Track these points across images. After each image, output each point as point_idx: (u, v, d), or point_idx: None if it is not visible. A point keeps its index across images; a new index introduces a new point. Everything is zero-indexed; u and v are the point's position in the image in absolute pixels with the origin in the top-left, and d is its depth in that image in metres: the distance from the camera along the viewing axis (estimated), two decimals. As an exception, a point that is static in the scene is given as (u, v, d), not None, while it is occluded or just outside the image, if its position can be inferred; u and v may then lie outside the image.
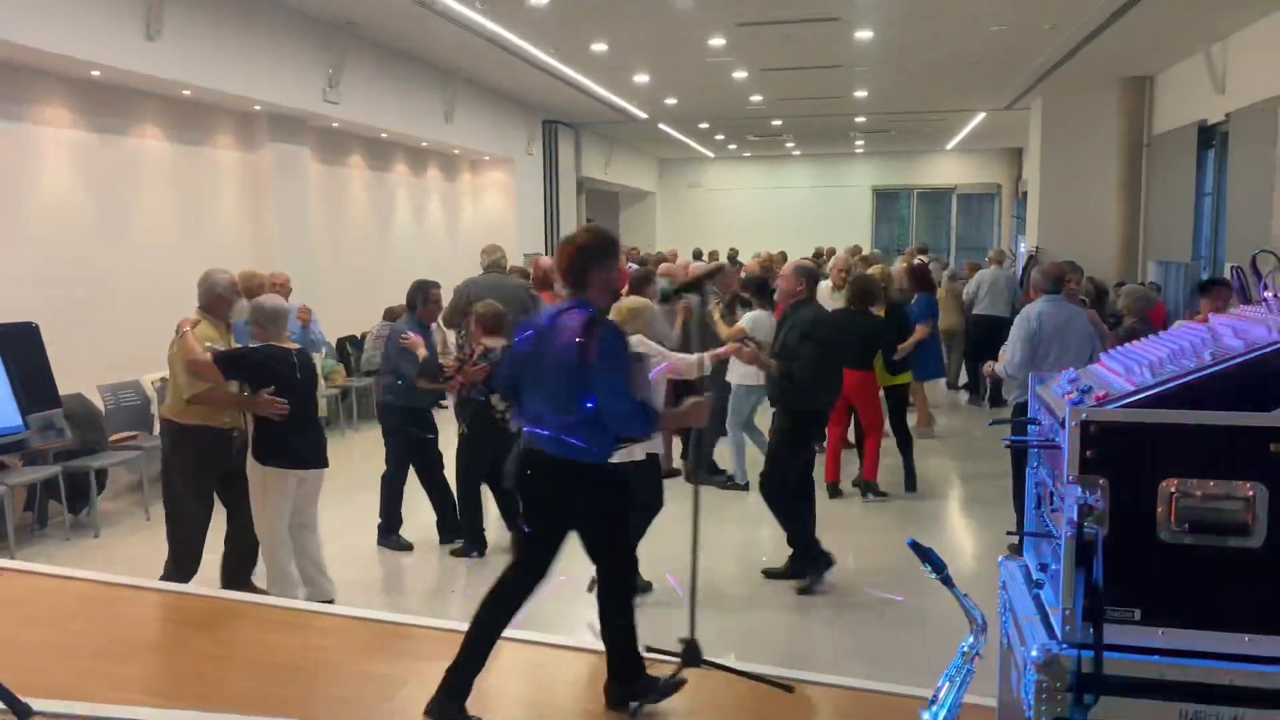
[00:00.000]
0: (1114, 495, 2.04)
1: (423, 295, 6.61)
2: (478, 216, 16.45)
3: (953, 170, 26.79)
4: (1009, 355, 6.73)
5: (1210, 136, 12.22)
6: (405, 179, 14.15)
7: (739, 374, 7.72)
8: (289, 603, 4.95)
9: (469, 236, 16.06)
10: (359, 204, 12.88)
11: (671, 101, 16.24)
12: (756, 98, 15.93)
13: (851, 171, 27.30)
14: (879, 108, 17.41)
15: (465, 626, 3.54)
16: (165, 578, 5.35)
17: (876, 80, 14.36)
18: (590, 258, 3.53)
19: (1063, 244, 15.56)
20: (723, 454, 8.36)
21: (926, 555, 2.32)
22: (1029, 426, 2.55)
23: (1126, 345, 2.57)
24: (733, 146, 24.86)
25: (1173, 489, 2.03)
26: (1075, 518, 2.00)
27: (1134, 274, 14.13)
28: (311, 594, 5.32)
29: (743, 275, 9.48)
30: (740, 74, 13.61)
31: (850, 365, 7.22)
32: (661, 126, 19.81)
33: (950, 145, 25.06)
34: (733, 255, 18.98)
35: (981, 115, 18.76)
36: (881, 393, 8.17)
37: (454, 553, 6.51)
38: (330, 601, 5.27)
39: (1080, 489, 2.04)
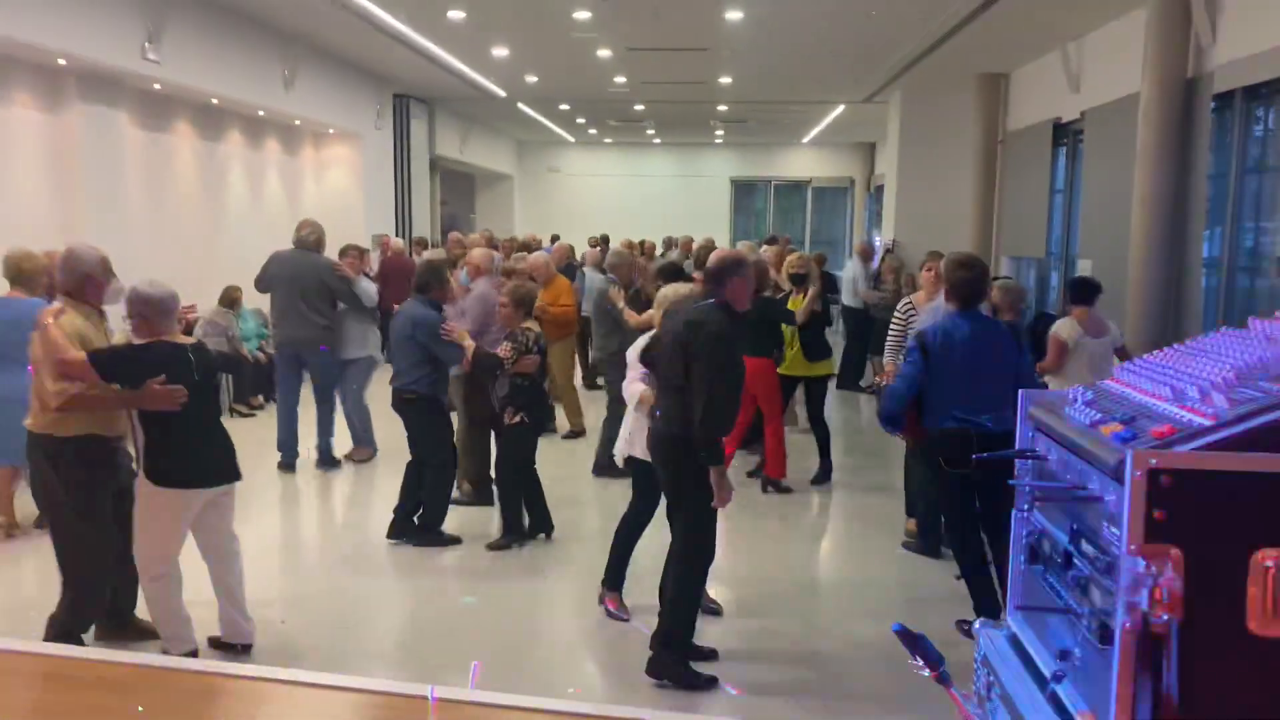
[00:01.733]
0: (1192, 571, 1.47)
1: (437, 277, 6.24)
2: (322, 194, 15.34)
3: (808, 163, 27.03)
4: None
5: (1063, 134, 12.44)
6: (240, 151, 12.97)
7: None
8: (237, 668, 3.97)
9: (312, 214, 14.91)
10: (186, 177, 11.67)
11: (532, 79, 15.53)
12: (620, 79, 15.41)
13: (710, 162, 27.19)
14: (742, 96, 17.19)
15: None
16: (56, 634, 4.22)
17: (742, 66, 14.06)
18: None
19: (920, 238, 15.72)
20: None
21: (917, 645, 1.80)
22: (1019, 461, 2.03)
23: (1144, 357, 2.06)
24: (593, 131, 24.31)
25: (1270, 563, 1.49)
26: (1141, 604, 1.45)
27: (992, 269, 14.33)
28: (228, 634, 4.56)
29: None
30: (605, 52, 13.05)
31: (750, 353, 6.88)
32: (520, 106, 19.06)
33: (806, 139, 25.22)
34: (603, 239, 18.46)
35: (840, 108, 18.82)
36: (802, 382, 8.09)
37: (491, 546, 6.20)
38: (247, 647, 4.54)
39: (1144, 563, 1.47)
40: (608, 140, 26.33)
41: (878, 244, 19.98)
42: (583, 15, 10.80)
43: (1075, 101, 11.75)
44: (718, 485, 4.25)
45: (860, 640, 4.93)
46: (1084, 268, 11.34)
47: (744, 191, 27.69)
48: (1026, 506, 1.97)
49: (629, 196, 26.76)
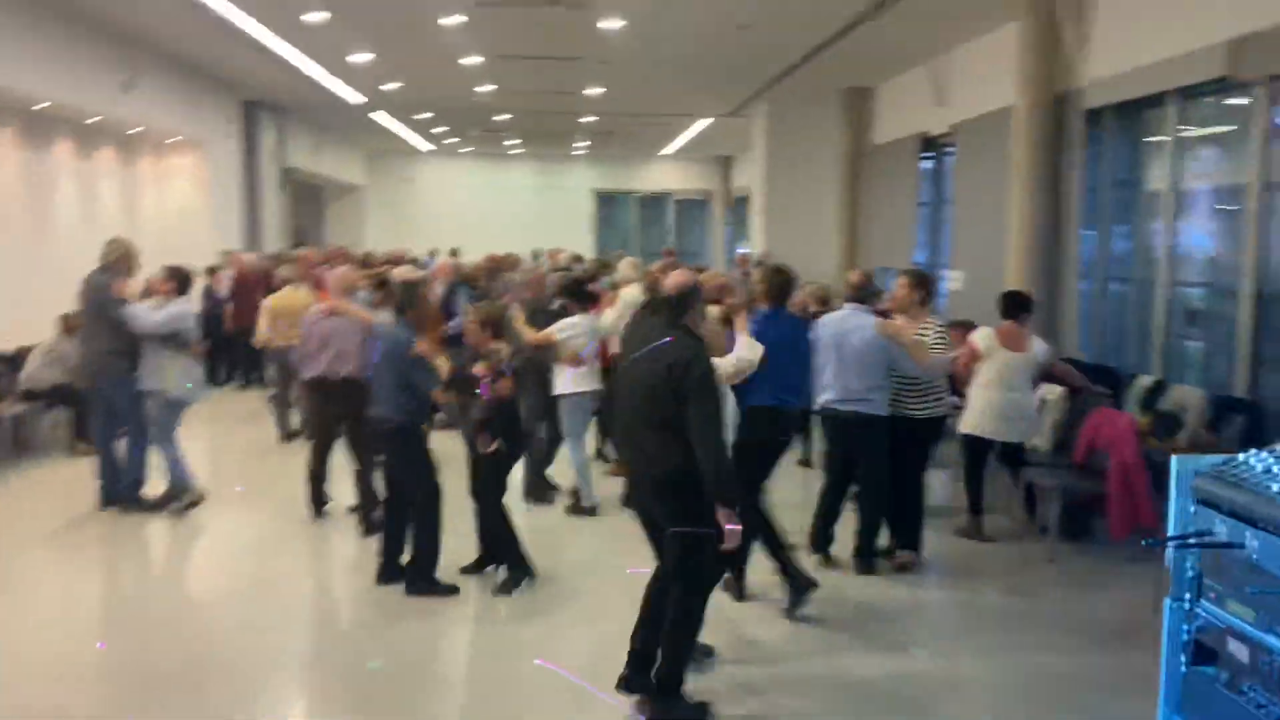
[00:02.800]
0: None
1: (411, 296, 5.73)
2: (163, 207, 14.19)
3: (669, 176, 27.10)
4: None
5: (930, 147, 12.72)
6: (70, 161, 11.81)
7: (570, 382, 6.96)
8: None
9: (153, 230, 13.80)
10: (7, 189, 10.50)
11: (393, 86, 14.85)
12: (487, 87, 14.92)
13: (572, 174, 26.90)
14: (609, 107, 16.95)
15: None
16: None
17: (613, 77, 13.82)
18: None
19: (788, 250, 15.81)
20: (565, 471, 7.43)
21: None
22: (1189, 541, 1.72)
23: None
24: (452, 141, 23.61)
25: None
26: None
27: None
28: None
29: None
30: (474, 59, 12.56)
31: None
32: (377, 115, 18.26)
33: (666, 152, 25.25)
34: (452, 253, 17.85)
35: (705, 121, 18.84)
36: None
37: (499, 590, 5.54)
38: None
39: None
40: (466, 150, 25.67)
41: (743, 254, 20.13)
42: (455, 20, 10.31)
43: (942, 115, 12.01)
44: (727, 522, 3.96)
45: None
46: (955, 278, 11.59)
47: (607, 204, 27.51)
48: (1188, 596, 1.71)
49: (487, 208, 26.15)
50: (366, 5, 9.84)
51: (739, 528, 3.99)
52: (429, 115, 18.76)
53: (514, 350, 5.77)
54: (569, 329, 6.91)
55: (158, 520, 6.97)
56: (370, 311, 7.00)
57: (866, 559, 5.99)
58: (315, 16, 10.13)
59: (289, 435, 9.49)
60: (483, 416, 5.56)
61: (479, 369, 5.55)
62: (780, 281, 5.70)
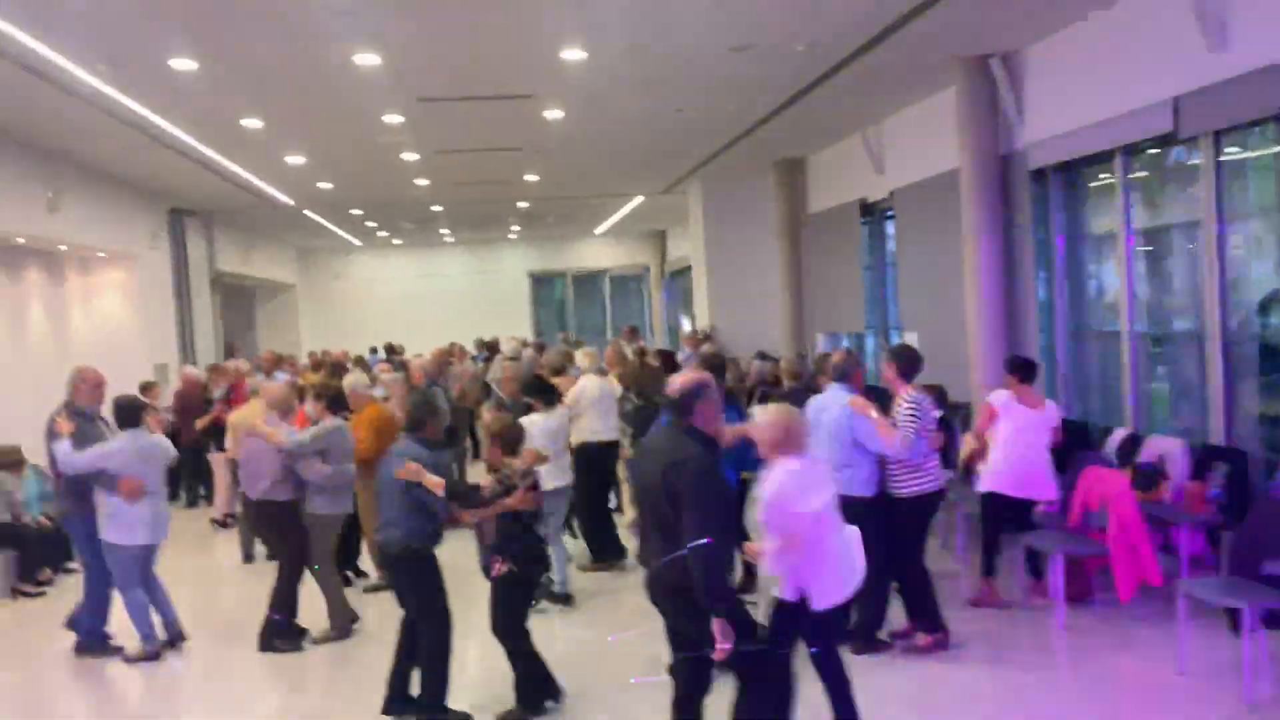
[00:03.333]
0: None
1: (431, 411, 5.46)
2: (92, 325, 13.68)
3: (603, 253, 27.18)
4: None
5: (870, 212, 12.90)
6: (-4, 285, 11.34)
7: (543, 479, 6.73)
8: None
9: (82, 350, 13.27)
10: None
11: (326, 185, 14.64)
12: (422, 181, 14.80)
13: (506, 257, 26.81)
14: (546, 192, 16.95)
15: None
16: None
17: (551, 163, 13.82)
18: None
19: (734, 321, 15.92)
20: None
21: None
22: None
23: None
24: (384, 234, 23.37)
25: None
26: None
27: (807, 346, 14.59)
28: None
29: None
30: (410, 155, 12.44)
31: None
32: (308, 213, 17.99)
33: (600, 230, 25.36)
34: (389, 349, 17.56)
35: (639, 199, 18.94)
36: None
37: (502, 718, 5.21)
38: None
39: None
40: (397, 242, 25.42)
41: (686, 329, 20.17)
42: (394, 119, 10.20)
43: (880, 182, 12.22)
44: (720, 633, 3.78)
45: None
46: (909, 338, 11.66)
47: (542, 284, 27.44)
48: None
49: (422, 298, 25.88)
50: (302, 109, 9.66)
51: (729, 644, 3.79)
52: (359, 212, 18.54)
53: (530, 463, 5.50)
54: (529, 426, 6.71)
55: (122, 668, 6.50)
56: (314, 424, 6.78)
57: (859, 639, 5.87)
58: (252, 122, 9.94)
59: (249, 557, 9.11)
60: (494, 539, 5.28)
61: (485, 482, 5.29)
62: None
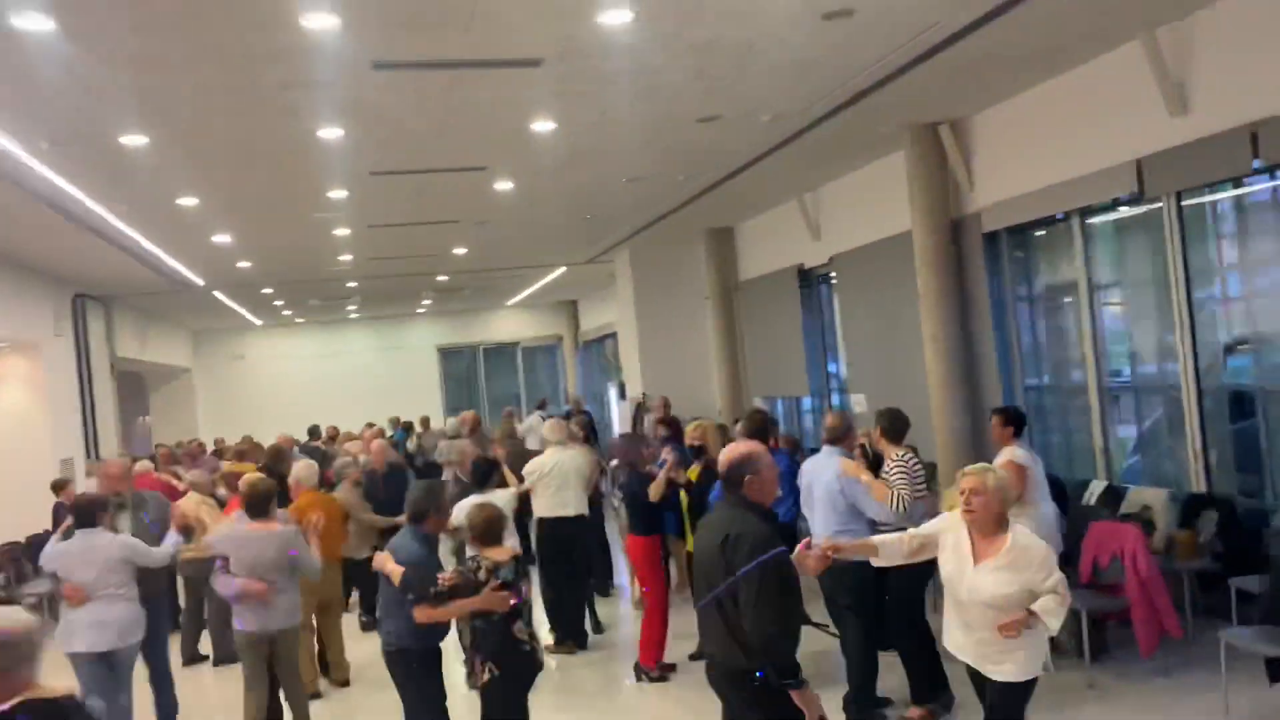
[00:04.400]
0: None
1: (435, 503, 5.18)
2: (-6, 419, 12.66)
3: (515, 325, 26.87)
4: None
5: (807, 278, 13.08)
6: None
7: None
8: None
9: (-16, 446, 12.27)
10: None
11: (244, 264, 14.04)
12: (346, 257, 14.35)
13: (414, 332, 26.21)
14: (471, 265, 16.67)
15: None
16: None
17: (484, 235, 13.58)
18: None
19: (668, 387, 15.80)
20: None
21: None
22: None
23: None
24: (287, 313, 22.56)
25: None
26: None
27: (741, 411, 14.58)
28: None
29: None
30: (343, 231, 12.05)
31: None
32: (216, 294, 17.22)
33: (512, 301, 25.11)
34: (315, 431, 16.81)
35: (560, 270, 18.84)
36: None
37: None
38: None
39: None
40: (300, 320, 24.57)
41: (614, 399, 20.00)
42: (338, 194, 9.85)
43: (817, 248, 12.42)
44: (806, 705, 3.62)
45: None
46: (858, 401, 11.77)
47: (452, 359, 26.89)
48: None
49: (325, 377, 24.97)
50: (246, 185, 9.24)
51: (818, 708, 3.67)
52: (269, 290, 17.85)
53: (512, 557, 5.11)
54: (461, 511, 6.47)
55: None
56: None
57: (852, 708, 5.88)
58: (187, 200, 9.45)
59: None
60: (470, 640, 4.96)
61: (444, 577, 4.81)
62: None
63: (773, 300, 13.86)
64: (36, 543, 11.51)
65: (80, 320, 14.53)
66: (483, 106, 7.39)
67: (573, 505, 8.20)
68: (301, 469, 7.93)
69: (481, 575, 4.76)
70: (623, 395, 18.35)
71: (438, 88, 6.82)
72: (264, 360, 25.23)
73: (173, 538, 6.37)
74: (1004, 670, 4.09)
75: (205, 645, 8.66)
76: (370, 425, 15.05)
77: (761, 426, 6.95)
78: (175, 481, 10.75)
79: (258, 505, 5.78)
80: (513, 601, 4.75)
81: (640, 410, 15.49)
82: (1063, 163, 7.99)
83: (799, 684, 3.62)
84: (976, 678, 4.26)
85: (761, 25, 6.10)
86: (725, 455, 3.99)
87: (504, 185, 10.21)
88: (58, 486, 11.45)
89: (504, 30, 5.79)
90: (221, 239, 11.66)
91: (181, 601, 9.07)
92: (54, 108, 6.43)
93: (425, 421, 18.06)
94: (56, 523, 11.06)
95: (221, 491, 9.24)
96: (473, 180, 9.86)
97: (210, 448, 16.95)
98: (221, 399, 24.35)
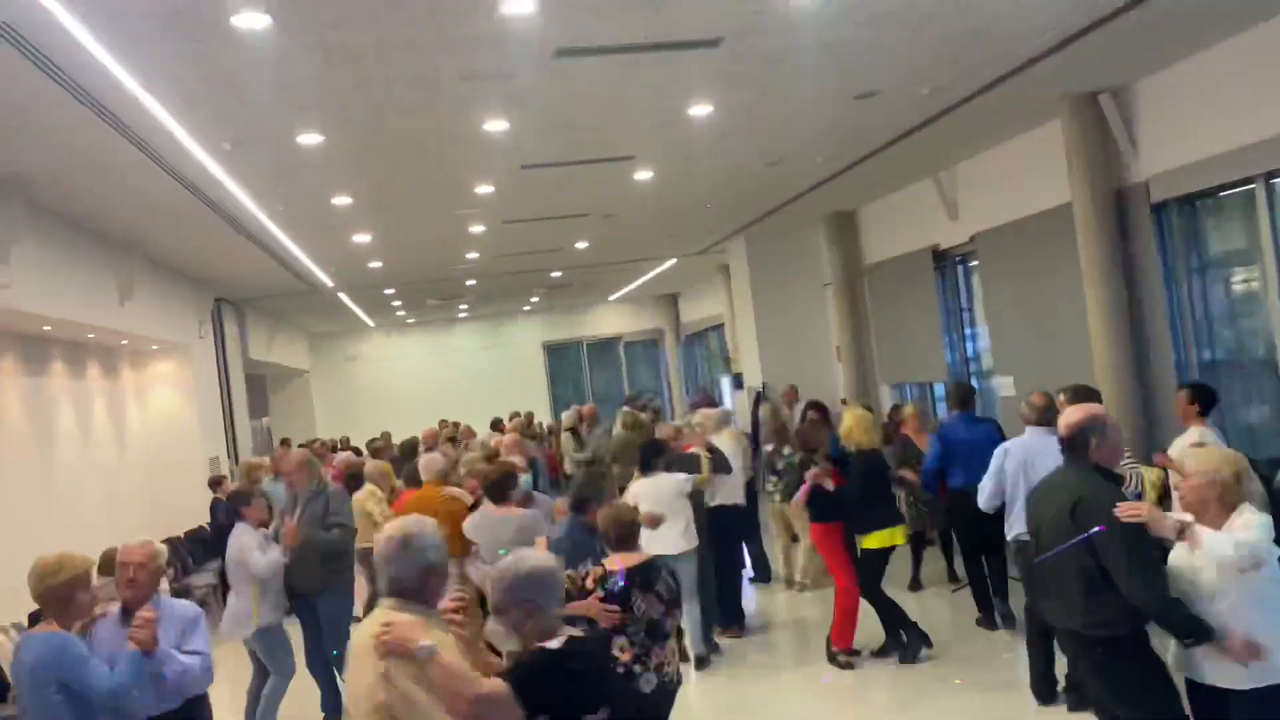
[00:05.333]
0: None
1: (597, 490, 5.39)
2: (147, 419, 13.15)
3: (616, 320, 26.97)
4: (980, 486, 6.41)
5: (942, 259, 12.78)
6: (65, 383, 10.81)
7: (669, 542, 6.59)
8: None
9: (138, 445, 12.76)
10: (12, 423, 9.46)
11: (375, 265, 14.32)
12: (473, 255, 14.54)
13: (520, 329, 26.49)
14: (588, 259, 16.73)
15: None
16: None
17: (607, 228, 13.61)
18: None
19: (786, 377, 15.64)
20: None
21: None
22: None
23: None
24: (401, 313, 23.00)
25: None
26: None
27: (873, 398, 14.35)
28: None
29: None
30: (478, 228, 12.19)
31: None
32: (341, 295, 17.62)
33: (615, 296, 25.20)
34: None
35: (671, 261, 18.79)
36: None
37: None
38: None
39: None
40: (410, 321, 25.03)
41: (727, 389, 19.87)
42: (485, 190, 9.96)
43: (954, 227, 12.13)
44: (1235, 650, 3.46)
45: None
46: (1005, 384, 11.47)
47: (555, 354, 27.12)
48: None
49: (434, 376, 25.44)
50: (400, 182, 9.39)
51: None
52: (391, 291, 18.20)
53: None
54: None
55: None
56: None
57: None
58: (341, 200, 9.66)
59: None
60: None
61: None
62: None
63: (903, 283, 13.58)
64: (196, 538, 11.94)
65: (218, 324, 15.01)
66: (647, 92, 7.37)
67: (737, 492, 8.18)
68: (424, 462, 7.99)
69: (589, 583, 4.23)
70: (738, 385, 18.24)
71: (612, 74, 6.81)
72: (376, 361, 25.80)
73: (274, 553, 6.35)
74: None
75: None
76: (516, 414, 15.05)
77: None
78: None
79: (497, 489, 5.93)
80: (615, 619, 4.08)
81: (760, 399, 15.36)
82: (1240, 126, 7.62)
83: (1208, 634, 3.50)
84: None
85: (947, -9, 5.94)
86: (1067, 419, 3.97)
87: (644, 175, 10.19)
88: (215, 483, 11.84)
89: (692, 9, 5.74)
90: (361, 238, 11.90)
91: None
92: (244, 107, 6.60)
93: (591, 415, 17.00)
94: (214, 518, 11.50)
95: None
96: (615, 171, 9.86)
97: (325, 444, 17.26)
98: (336, 400, 24.98)
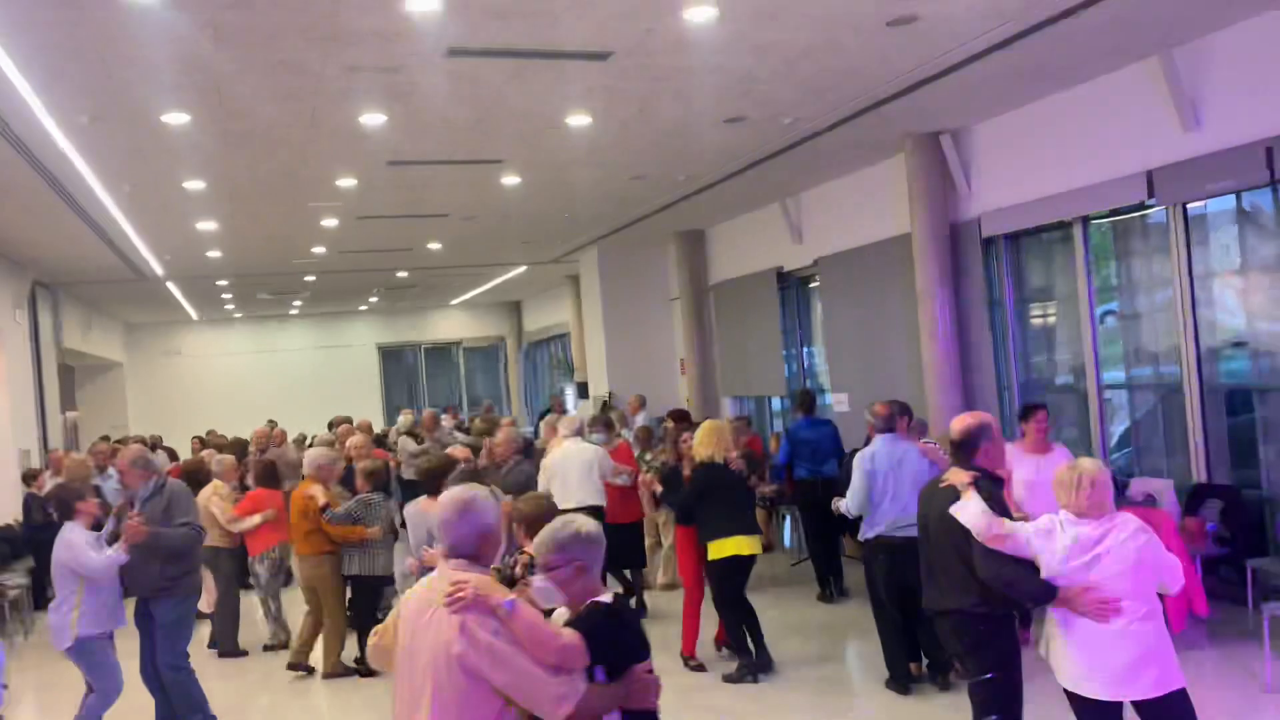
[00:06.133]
0: None
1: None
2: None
3: (456, 325, 26.69)
4: (849, 495, 6.66)
5: (785, 280, 13.41)
6: None
7: None
8: None
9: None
10: None
11: (214, 254, 13.71)
12: (320, 249, 14.15)
13: (355, 330, 25.81)
14: (438, 261, 16.55)
15: None
16: None
17: (461, 230, 13.55)
18: None
19: (632, 388, 15.98)
20: None
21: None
22: None
23: None
24: (230, 307, 21.99)
25: None
26: None
27: (713, 410, 14.86)
28: None
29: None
30: (331, 221, 11.90)
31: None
32: (169, 285, 16.74)
33: (457, 301, 24.96)
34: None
35: (522, 268, 18.84)
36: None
37: None
38: None
39: None
40: (238, 315, 23.95)
41: (571, 399, 20.06)
42: (348, 183, 9.77)
43: (798, 250, 12.77)
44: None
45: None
46: (839, 400, 12.16)
47: (391, 358, 26.55)
48: None
49: (262, 374, 24.47)
50: (260, 170, 9.09)
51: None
52: (224, 283, 17.43)
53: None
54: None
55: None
56: None
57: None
58: (194, 184, 9.27)
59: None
60: None
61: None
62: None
63: (747, 301, 14.16)
64: (4, 535, 11.09)
65: (33, 308, 13.99)
66: (529, 98, 7.47)
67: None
68: (315, 455, 7.89)
69: (518, 570, 4.13)
70: (583, 394, 18.46)
71: (497, 78, 6.89)
72: (198, 357, 24.54)
73: (113, 553, 5.88)
74: None
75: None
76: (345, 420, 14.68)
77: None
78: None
79: (433, 482, 6.30)
80: None
81: (606, 408, 15.63)
82: (1066, 172, 8.46)
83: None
84: None
85: (829, 29, 6.35)
86: (960, 424, 4.38)
87: (511, 180, 10.26)
88: (30, 477, 11.05)
89: (590, 21, 5.91)
90: (206, 226, 11.41)
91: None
92: (111, 82, 6.29)
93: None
94: (27, 513, 10.72)
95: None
96: (482, 173, 9.90)
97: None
98: (152, 396, 23.60)
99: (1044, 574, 3.96)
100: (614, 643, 2.90)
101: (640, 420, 13.18)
